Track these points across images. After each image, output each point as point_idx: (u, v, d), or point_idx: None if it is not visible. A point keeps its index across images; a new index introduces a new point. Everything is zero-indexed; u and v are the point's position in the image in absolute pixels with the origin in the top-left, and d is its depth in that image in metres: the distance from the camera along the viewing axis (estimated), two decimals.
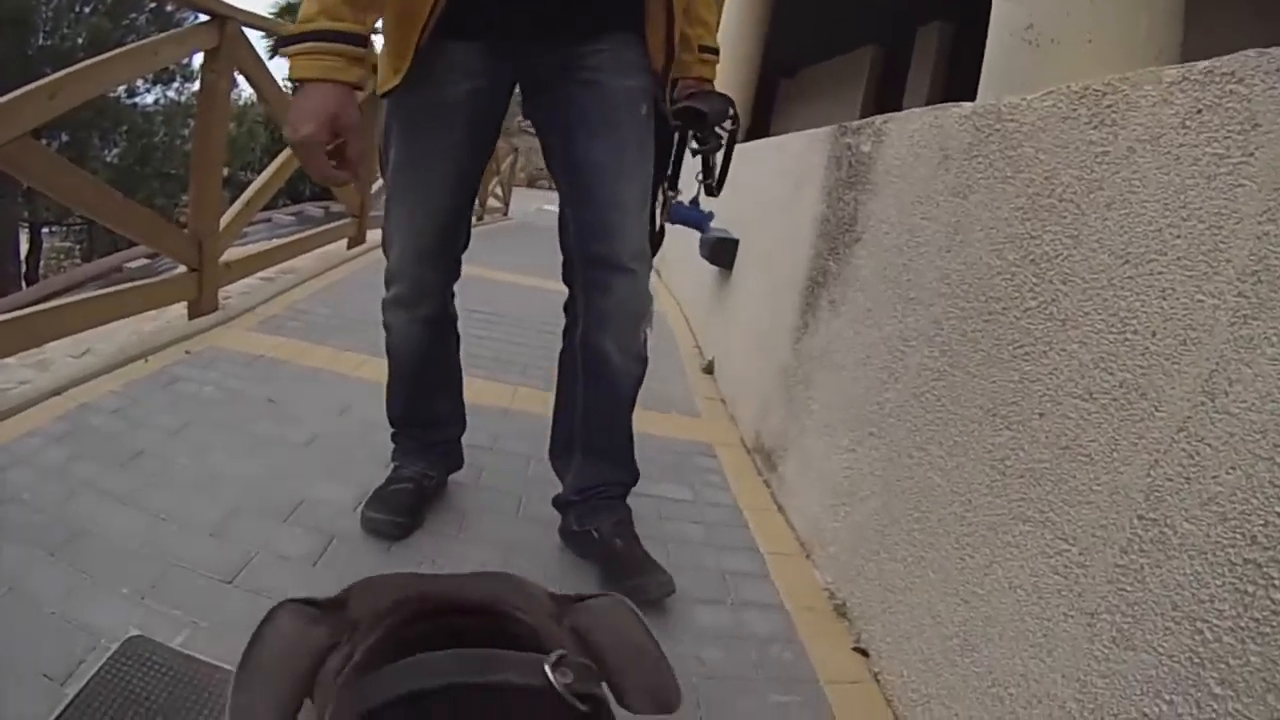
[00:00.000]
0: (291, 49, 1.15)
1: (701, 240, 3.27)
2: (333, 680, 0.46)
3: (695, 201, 1.58)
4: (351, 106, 1.16)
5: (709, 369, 3.34)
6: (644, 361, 1.56)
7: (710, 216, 3.15)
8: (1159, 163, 0.94)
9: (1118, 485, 0.93)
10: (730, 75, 4.43)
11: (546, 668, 0.46)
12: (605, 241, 1.43)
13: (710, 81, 1.60)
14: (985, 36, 1.52)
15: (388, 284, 1.56)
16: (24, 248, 15.58)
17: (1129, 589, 0.89)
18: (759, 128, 7.52)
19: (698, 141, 1.59)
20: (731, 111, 1.56)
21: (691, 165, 1.64)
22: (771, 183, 2.82)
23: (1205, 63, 0.88)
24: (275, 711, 0.46)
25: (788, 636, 1.52)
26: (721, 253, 3.26)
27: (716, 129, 1.57)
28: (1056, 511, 1.03)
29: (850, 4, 7.48)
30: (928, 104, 1.64)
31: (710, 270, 3.48)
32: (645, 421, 1.63)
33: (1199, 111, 0.89)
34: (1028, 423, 1.12)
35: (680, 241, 2.89)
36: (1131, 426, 0.93)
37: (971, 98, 1.51)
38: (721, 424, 2.74)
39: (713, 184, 1.63)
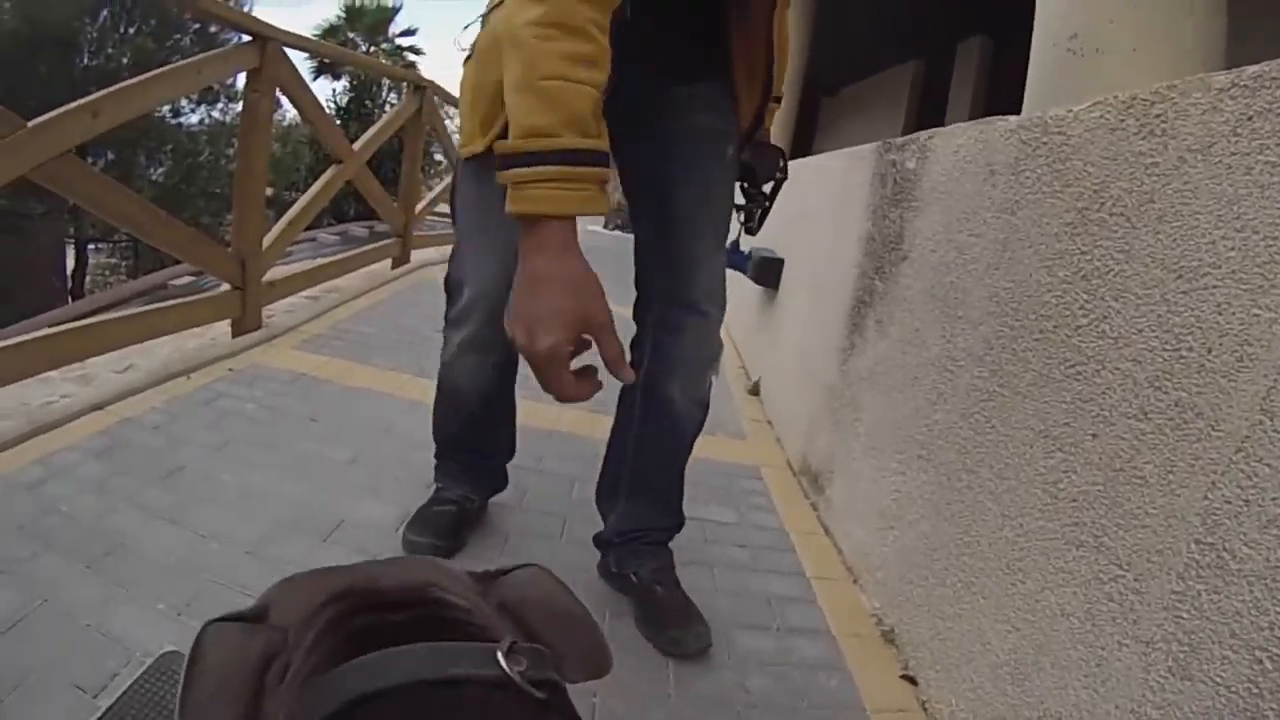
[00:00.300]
0: (521, 173, 0.85)
1: (747, 260, 3.27)
2: (277, 689, 0.44)
3: (735, 243, 1.57)
4: (601, 292, 0.87)
5: (755, 390, 3.31)
6: (706, 408, 1.54)
7: (748, 257, 3.23)
8: (1211, 173, 0.91)
9: (1174, 508, 0.90)
10: None
11: (500, 656, 0.44)
12: (684, 282, 1.43)
13: (768, 130, 1.57)
14: (1027, 49, 1.49)
15: (458, 323, 1.47)
16: (70, 264, 15.75)
17: (1186, 617, 0.85)
18: (802, 147, 7.51)
19: (745, 196, 1.57)
20: (781, 163, 1.55)
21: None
22: (816, 202, 2.80)
23: (1254, 68, 0.85)
24: None
25: (834, 663, 1.49)
26: (767, 272, 3.25)
27: (763, 188, 1.56)
28: (1110, 536, 1.00)
29: (889, 21, 7.45)
30: (971, 119, 1.62)
31: (755, 290, 3.47)
32: None
33: (1250, 119, 0.86)
34: (1080, 444, 1.09)
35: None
36: (1188, 447, 0.89)
37: (1014, 111, 1.49)
38: (768, 446, 2.72)
39: (753, 226, 1.62)
